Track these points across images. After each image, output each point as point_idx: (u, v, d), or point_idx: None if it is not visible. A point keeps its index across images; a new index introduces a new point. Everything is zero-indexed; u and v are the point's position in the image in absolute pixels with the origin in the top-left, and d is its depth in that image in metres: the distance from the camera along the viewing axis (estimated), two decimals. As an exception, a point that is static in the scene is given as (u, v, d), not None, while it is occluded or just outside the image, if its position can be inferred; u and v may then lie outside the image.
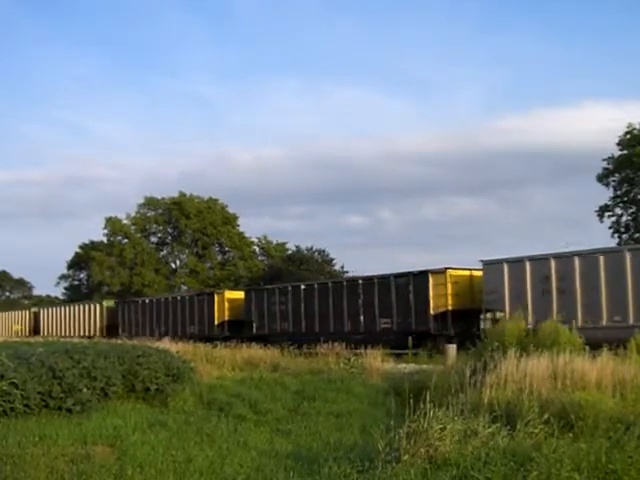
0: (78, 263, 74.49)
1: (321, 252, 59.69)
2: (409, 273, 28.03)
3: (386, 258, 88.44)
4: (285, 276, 51.80)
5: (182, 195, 67.15)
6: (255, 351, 22.11)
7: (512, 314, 21.94)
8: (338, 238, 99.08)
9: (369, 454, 7.66)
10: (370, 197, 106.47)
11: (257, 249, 69.35)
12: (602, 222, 45.28)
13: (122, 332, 42.11)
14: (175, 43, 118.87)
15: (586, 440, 7.31)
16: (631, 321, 20.84)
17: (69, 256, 75.27)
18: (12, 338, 47.82)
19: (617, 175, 44.80)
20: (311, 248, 59.79)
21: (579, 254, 22.90)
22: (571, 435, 7.84)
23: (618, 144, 43.98)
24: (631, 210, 45.00)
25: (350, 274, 51.47)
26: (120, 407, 12.33)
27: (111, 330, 44.02)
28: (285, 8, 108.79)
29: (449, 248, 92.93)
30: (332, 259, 59.84)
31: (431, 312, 26.39)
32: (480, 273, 25.99)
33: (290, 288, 33.56)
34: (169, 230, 69.34)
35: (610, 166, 44.78)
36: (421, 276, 27.18)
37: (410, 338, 25.05)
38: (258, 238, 68.78)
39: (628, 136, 43.45)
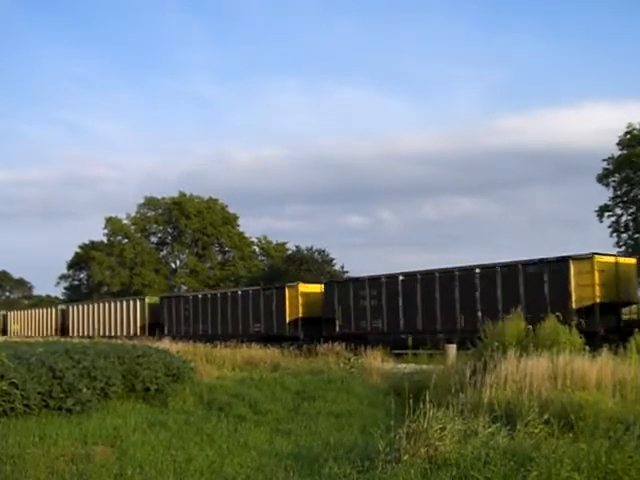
0: (78, 263, 74.54)
1: (321, 252, 59.75)
2: (543, 260, 23.88)
3: (386, 258, 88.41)
4: (285, 276, 51.77)
5: (182, 195, 67.24)
6: (255, 351, 22.14)
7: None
8: (338, 238, 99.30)
9: (369, 454, 7.65)
10: (370, 197, 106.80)
11: (257, 249, 69.48)
12: (602, 222, 45.40)
13: (167, 332, 37.98)
14: (175, 43, 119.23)
15: (586, 440, 7.32)
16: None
17: (69, 256, 75.52)
18: (34, 338, 42.35)
19: (617, 175, 44.85)
20: (311, 248, 59.89)
21: None
22: (571, 435, 7.85)
23: (618, 144, 44.04)
24: (631, 210, 45.05)
25: (349, 274, 51.41)
26: (120, 407, 12.33)
27: (153, 329, 40.03)
28: (285, 8, 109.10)
29: (449, 248, 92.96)
30: (332, 259, 59.96)
31: (573, 306, 22.42)
32: (627, 260, 23.86)
33: (384, 279, 28.71)
34: (169, 230, 69.44)
35: (610, 166, 44.84)
36: (560, 263, 23.27)
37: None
38: (258, 238, 68.98)
39: (628, 136, 43.52)
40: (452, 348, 17.38)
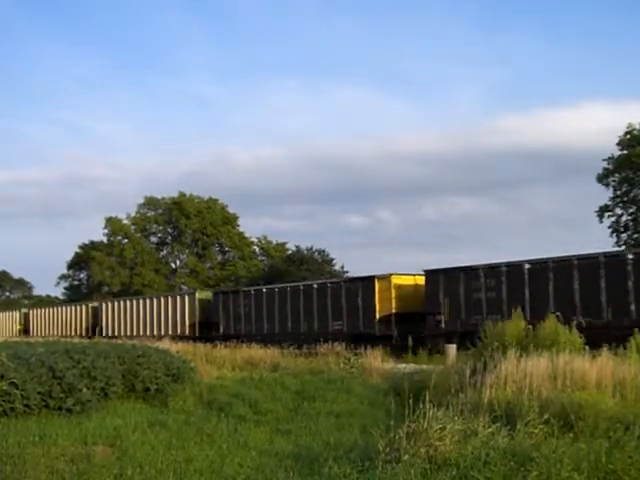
0: (78, 263, 74.47)
1: (321, 252, 59.71)
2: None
3: (386, 258, 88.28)
4: (285, 276, 51.75)
5: (182, 195, 67.19)
6: (255, 351, 22.13)
7: None
8: (338, 238, 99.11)
9: (369, 454, 7.65)
10: (370, 197, 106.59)
11: (257, 249, 69.39)
12: (602, 222, 45.33)
13: (223, 331, 34.75)
14: (175, 43, 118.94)
15: (586, 440, 7.32)
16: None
17: (69, 256, 75.27)
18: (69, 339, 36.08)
19: (617, 175, 44.80)
20: (311, 248, 59.83)
21: None
22: (571, 435, 7.85)
23: (618, 144, 44.01)
24: (631, 210, 45.01)
25: (349, 274, 51.35)
26: (120, 407, 12.34)
27: (204, 329, 36.22)
28: (285, 8, 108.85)
29: (449, 248, 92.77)
30: (332, 259, 59.89)
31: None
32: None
33: (504, 268, 24.21)
34: (169, 230, 69.40)
35: (610, 166, 44.80)
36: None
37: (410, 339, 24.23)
38: (258, 238, 68.86)
39: (628, 136, 43.46)
40: (452, 348, 17.39)
